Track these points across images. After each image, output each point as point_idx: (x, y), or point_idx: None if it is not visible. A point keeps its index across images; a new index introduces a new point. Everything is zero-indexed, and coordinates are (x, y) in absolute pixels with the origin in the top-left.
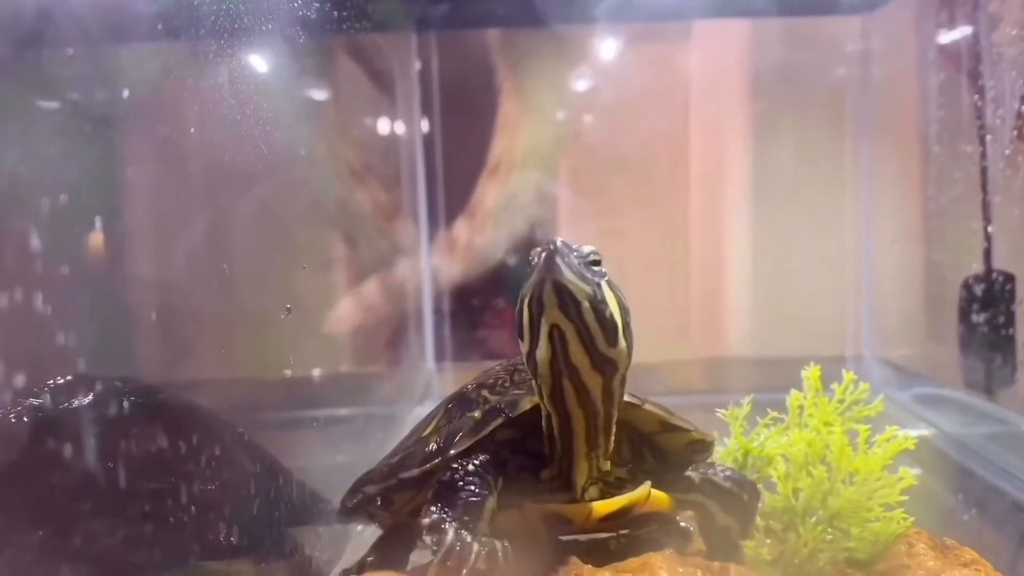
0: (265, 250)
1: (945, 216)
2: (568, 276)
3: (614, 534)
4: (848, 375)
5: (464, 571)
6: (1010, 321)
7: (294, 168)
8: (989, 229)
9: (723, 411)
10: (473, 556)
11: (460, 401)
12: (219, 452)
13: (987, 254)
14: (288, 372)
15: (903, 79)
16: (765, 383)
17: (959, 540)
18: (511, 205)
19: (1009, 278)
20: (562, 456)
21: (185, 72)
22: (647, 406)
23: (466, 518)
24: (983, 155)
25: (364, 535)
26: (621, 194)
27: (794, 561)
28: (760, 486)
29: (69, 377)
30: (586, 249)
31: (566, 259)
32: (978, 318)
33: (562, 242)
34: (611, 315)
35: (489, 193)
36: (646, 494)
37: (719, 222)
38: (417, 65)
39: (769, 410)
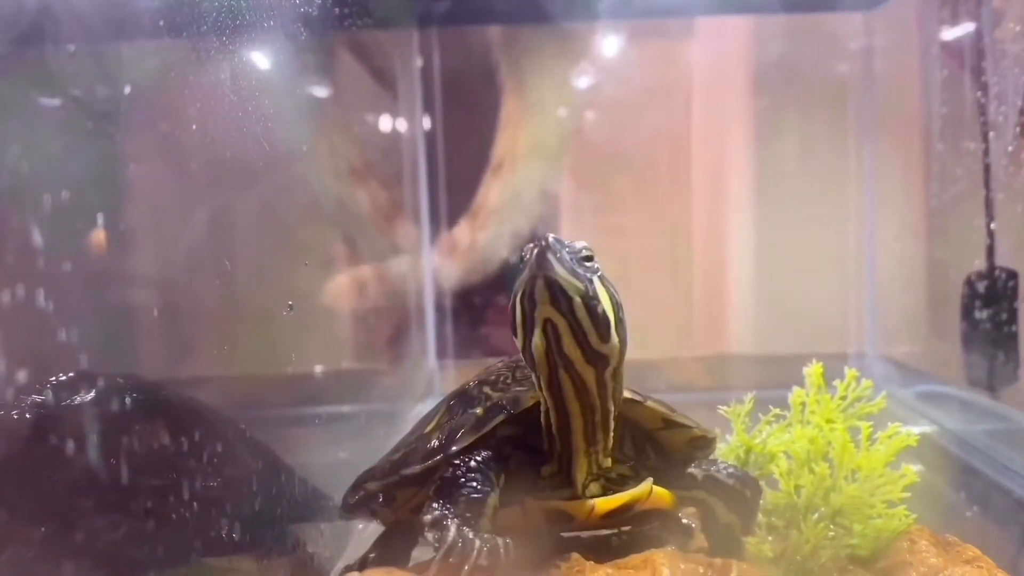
0: (267, 247)
1: (948, 213)
2: (559, 272)
3: (616, 531)
4: (850, 372)
5: (466, 567)
6: (1013, 318)
7: (296, 165)
8: (992, 226)
9: (725, 408)
10: (475, 552)
11: (462, 398)
12: (221, 449)
13: (990, 251)
14: (290, 369)
15: (905, 75)
16: (767, 380)
17: (961, 537)
18: (513, 203)
19: (1012, 275)
20: (561, 452)
21: (187, 69)
22: (649, 403)
23: (468, 515)
24: (986, 152)
25: (366, 532)
26: (623, 191)
27: (796, 558)
28: (762, 483)
29: (71, 374)
30: (578, 245)
31: (558, 255)
32: (981, 315)
33: (554, 238)
34: (603, 311)
35: (492, 191)
36: (648, 491)
37: (721, 218)
38: (419, 62)
39: (771, 407)
